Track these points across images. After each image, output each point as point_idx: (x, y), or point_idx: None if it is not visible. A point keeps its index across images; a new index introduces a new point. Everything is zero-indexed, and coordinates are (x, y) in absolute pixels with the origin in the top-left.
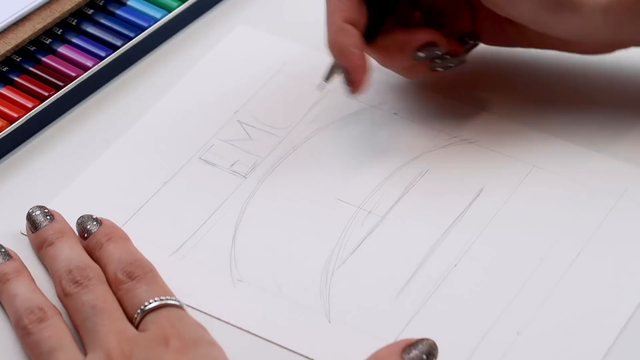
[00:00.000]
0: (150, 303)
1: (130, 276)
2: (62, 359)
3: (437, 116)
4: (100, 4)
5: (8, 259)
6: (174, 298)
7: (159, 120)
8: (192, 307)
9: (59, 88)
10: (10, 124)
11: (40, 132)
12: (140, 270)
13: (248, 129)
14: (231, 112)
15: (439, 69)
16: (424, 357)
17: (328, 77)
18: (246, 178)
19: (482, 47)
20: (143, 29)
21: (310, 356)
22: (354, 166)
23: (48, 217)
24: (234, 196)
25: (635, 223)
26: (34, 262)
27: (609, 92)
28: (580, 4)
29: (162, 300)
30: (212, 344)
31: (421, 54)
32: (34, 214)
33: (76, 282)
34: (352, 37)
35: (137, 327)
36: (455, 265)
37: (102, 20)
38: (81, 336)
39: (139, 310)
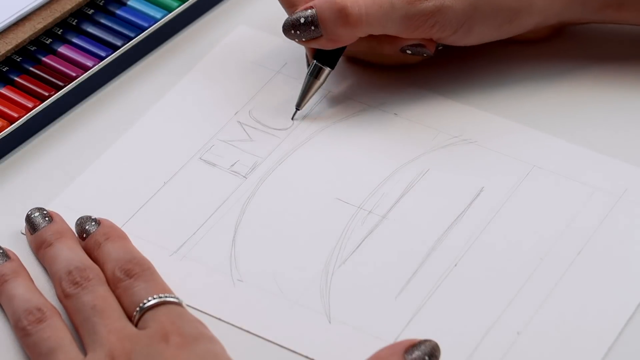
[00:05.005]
0: (149, 301)
1: (128, 274)
2: (62, 359)
3: (437, 116)
4: (101, 4)
5: (6, 260)
6: (172, 295)
7: (159, 121)
8: (193, 307)
9: (59, 88)
10: (11, 124)
11: (40, 132)
12: (138, 268)
13: (248, 130)
14: (231, 112)
15: (409, 52)
16: (426, 358)
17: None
18: (246, 178)
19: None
20: (143, 29)
21: (311, 356)
22: (354, 166)
23: (47, 219)
24: (234, 196)
25: (635, 223)
26: (34, 263)
27: (609, 92)
28: (531, 4)
29: (160, 297)
30: (212, 340)
31: (409, 51)
32: (32, 215)
33: (76, 283)
34: None
35: (136, 325)
36: (456, 265)
37: (103, 20)
38: (81, 336)
39: (137, 308)
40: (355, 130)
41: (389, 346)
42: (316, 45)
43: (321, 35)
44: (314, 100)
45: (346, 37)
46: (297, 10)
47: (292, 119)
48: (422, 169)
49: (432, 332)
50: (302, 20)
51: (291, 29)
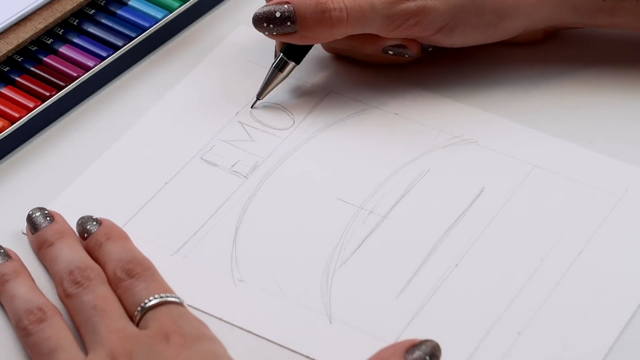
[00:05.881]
0: (150, 300)
1: (130, 274)
2: (63, 359)
3: (438, 116)
4: (102, 4)
5: (7, 260)
6: (173, 295)
7: (160, 121)
8: (193, 307)
9: (60, 88)
10: (12, 124)
11: (41, 132)
12: (139, 268)
13: (249, 130)
14: (232, 112)
15: (391, 52)
16: (427, 358)
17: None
18: (247, 178)
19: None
20: (144, 29)
21: (312, 356)
22: (355, 166)
23: (48, 219)
24: (235, 196)
25: (635, 223)
26: (35, 262)
27: (610, 92)
28: (517, 7)
29: (162, 297)
30: (213, 339)
31: (391, 52)
32: (33, 215)
33: (77, 283)
34: None
35: (137, 325)
36: (456, 265)
37: (103, 20)
38: (82, 336)
39: (139, 308)
40: (356, 130)
41: (389, 346)
42: (287, 40)
43: (295, 32)
44: (314, 101)
45: (322, 37)
46: (271, 3)
47: (252, 107)
48: (423, 169)
49: (433, 332)
50: (277, 15)
51: (264, 21)
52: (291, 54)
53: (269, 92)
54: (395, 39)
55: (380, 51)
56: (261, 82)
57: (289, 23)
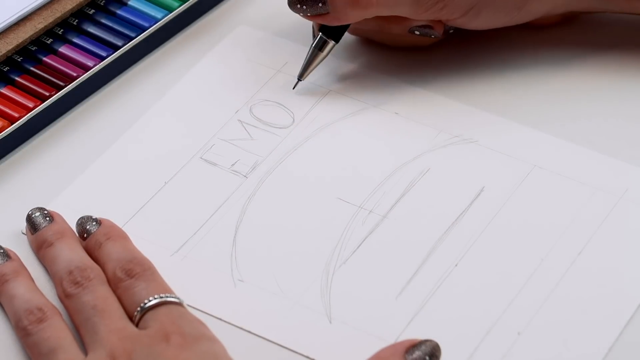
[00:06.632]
0: (149, 301)
1: (129, 274)
2: (63, 359)
3: (438, 116)
4: (101, 3)
5: (7, 260)
6: (173, 295)
7: (159, 120)
8: (193, 307)
9: (60, 88)
10: (12, 124)
11: (41, 132)
12: (139, 268)
13: (249, 129)
14: (232, 111)
15: (417, 33)
16: (427, 358)
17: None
18: (247, 178)
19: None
20: (144, 29)
21: (312, 356)
22: (354, 166)
23: (47, 219)
24: (234, 196)
25: (635, 223)
26: (34, 263)
27: (609, 92)
28: None
29: (161, 297)
30: (213, 340)
31: (417, 32)
32: (33, 215)
33: (77, 283)
34: None
35: (137, 325)
36: (456, 265)
37: (103, 20)
38: (82, 336)
39: (138, 308)
40: (356, 129)
41: (389, 346)
42: (321, 21)
43: (327, 13)
44: (314, 99)
45: (353, 17)
46: None
47: (294, 88)
48: (423, 169)
49: (432, 332)
50: None
51: (297, 2)
52: (329, 32)
53: (310, 72)
54: (422, 20)
55: (406, 31)
56: (263, 82)
57: (320, 4)
